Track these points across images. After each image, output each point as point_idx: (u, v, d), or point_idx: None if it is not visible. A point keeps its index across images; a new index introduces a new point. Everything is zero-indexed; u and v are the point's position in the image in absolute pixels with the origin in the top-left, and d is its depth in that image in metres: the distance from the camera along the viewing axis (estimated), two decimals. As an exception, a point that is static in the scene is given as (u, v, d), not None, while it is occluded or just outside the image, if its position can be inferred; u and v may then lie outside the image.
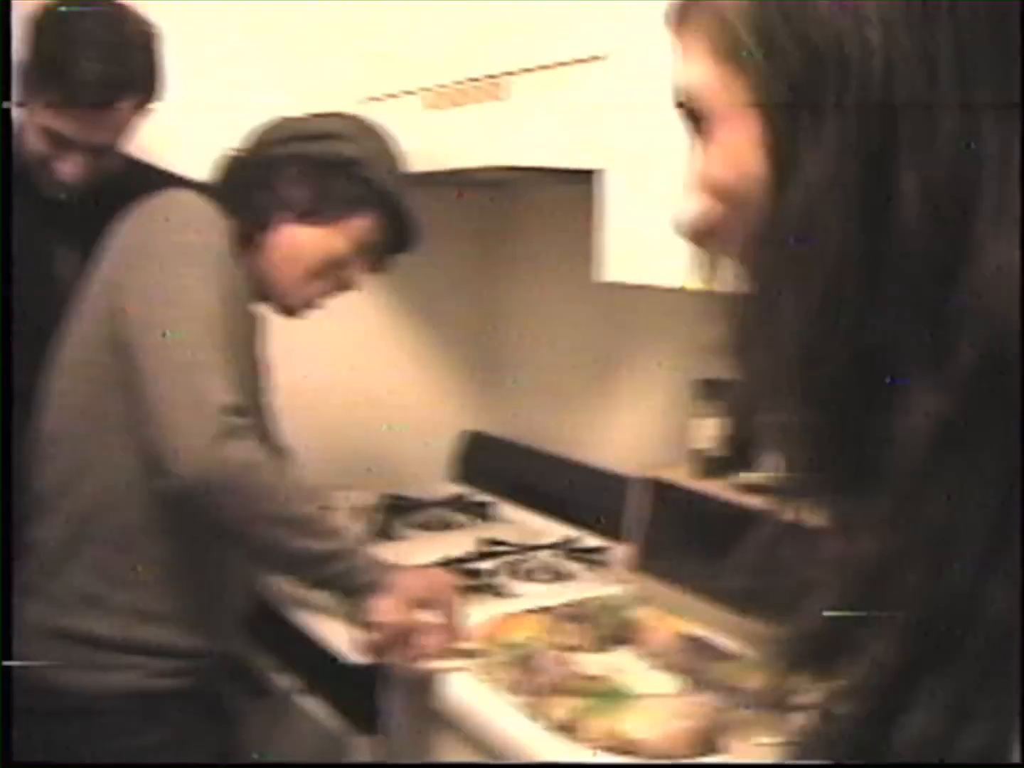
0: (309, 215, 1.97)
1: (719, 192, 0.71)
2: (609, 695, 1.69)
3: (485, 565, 2.35)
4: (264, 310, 2.04)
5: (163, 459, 1.72)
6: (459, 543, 2.49)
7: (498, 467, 2.98)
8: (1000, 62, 0.62)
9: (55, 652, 1.88)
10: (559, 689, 1.71)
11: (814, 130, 0.63)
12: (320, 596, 1.96)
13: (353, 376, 2.92)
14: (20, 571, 1.94)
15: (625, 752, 1.57)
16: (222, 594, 1.98)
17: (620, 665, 1.87)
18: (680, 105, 0.73)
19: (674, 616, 2.00)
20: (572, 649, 1.89)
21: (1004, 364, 0.60)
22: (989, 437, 0.61)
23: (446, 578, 1.96)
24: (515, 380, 3.05)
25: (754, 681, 1.69)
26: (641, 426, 2.59)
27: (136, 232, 1.91)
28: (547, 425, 2.90)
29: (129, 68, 2.05)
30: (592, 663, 1.85)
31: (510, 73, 2.18)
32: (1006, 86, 0.62)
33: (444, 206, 2.70)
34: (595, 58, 1.99)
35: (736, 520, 2.00)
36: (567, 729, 1.63)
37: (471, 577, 2.23)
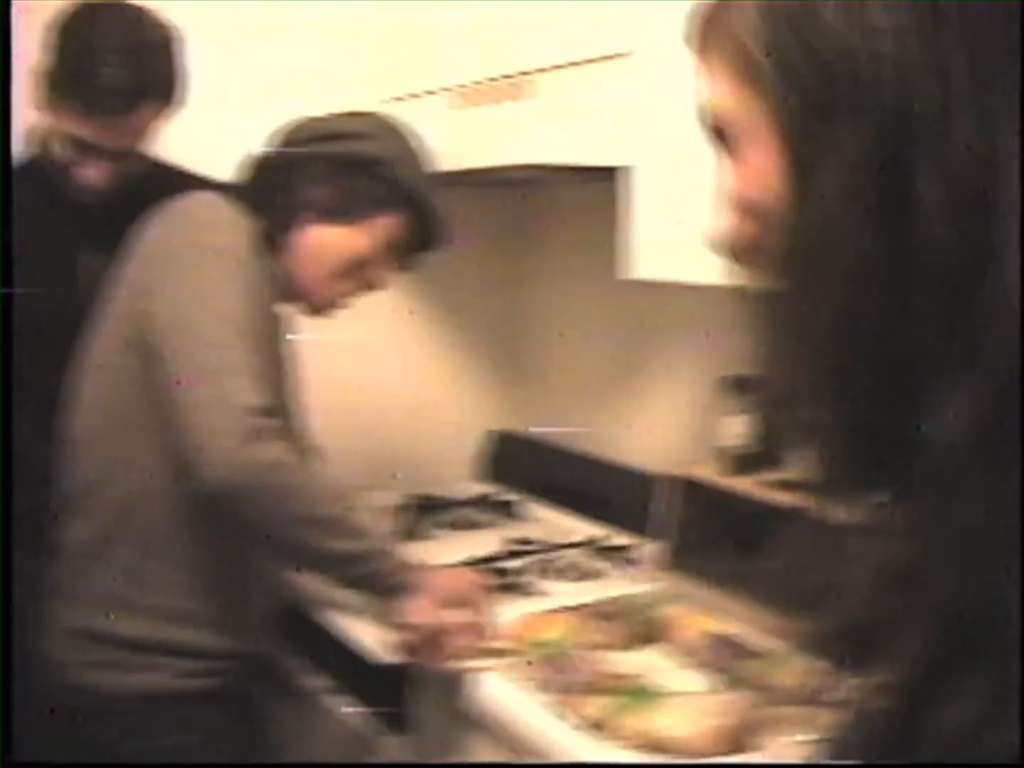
0: (334, 215, 1.97)
1: (748, 210, 0.71)
2: (640, 693, 1.68)
3: (513, 564, 2.35)
4: (291, 310, 2.05)
5: (191, 462, 1.72)
6: (487, 542, 2.49)
7: (525, 466, 2.98)
8: (1013, 63, 0.62)
9: (84, 653, 1.89)
10: (589, 688, 1.71)
11: (830, 143, 0.64)
12: (349, 596, 1.96)
13: (380, 376, 2.93)
14: (50, 572, 1.95)
15: (656, 750, 1.57)
16: (250, 595, 1.99)
17: (650, 663, 1.86)
18: (706, 126, 0.74)
19: (704, 614, 2.00)
20: (602, 647, 1.89)
21: None
22: (1019, 438, 0.60)
23: (475, 577, 1.96)
24: (542, 379, 3.05)
25: (785, 678, 1.68)
26: (667, 424, 2.58)
27: (160, 235, 1.92)
28: (574, 423, 2.90)
29: (149, 73, 2.06)
30: (622, 661, 1.84)
31: (534, 72, 2.18)
32: (1019, 86, 0.62)
33: (470, 205, 2.70)
34: (619, 55, 1.99)
35: (766, 517, 2.01)
36: (597, 728, 1.62)
37: (499, 576, 2.23)
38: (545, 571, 2.32)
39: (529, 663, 1.80)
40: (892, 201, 0.62)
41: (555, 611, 2.02)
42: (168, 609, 1.88)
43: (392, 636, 1.85)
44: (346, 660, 2.07)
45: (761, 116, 0.68)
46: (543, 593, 2.20)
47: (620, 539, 2.50)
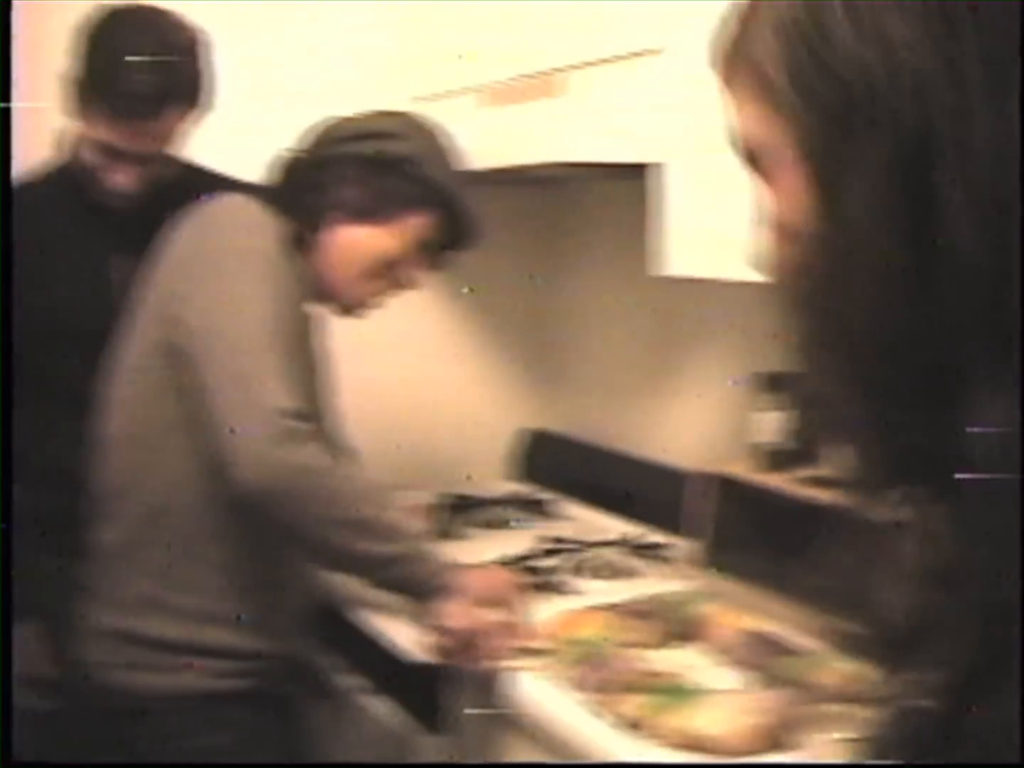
0: (364, 214, 1.97)
1: (786, 232, 0.72)
2: (677, 692, 1.68)
3: (548, 563, 2.34)
4: (322, 311, 2.05)
5: (223, 465, 1.73)
6: (521, 541, 2.49)
7: (559, 464, 2.97)
8: None
9: (117, 654, 1.90)
10: (625, 686, 1.70)
11: (853, 160, 0.65)
12: (384, 596, 1.96)
13: (412, 375, 2.93)
14: (83, 573, 1.96)
15: (695, 749, 1.56)
16: (284, 595, 1.99)
17: (687, 661, 1.86)
18: (738, 152, 0.75)
19: (740, 611, 1.99)
20: (637, 646, 1.88)
21: None
22: None
23: (510, 576, 1.96)
24: (574, 376, 3.05)
25: (822, 676, 1.67)
26: (701, 421, 2.57)
27: (189, 238, 1.92)
28: (607, 421, 2.90)
29: (174, 77, 2.06)
30: (658, 659, 1.84)
31: (565, 69, 2.17)
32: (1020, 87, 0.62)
33: (500, 204, 2.69)
34: (650, 52, 1.98)
35: (802, 514, 2.00)
36: (635, 726, 1.62)
37: (533, 575, 2.22)
38: (579, 570, 2.32)
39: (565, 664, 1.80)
40: (919, 211, 0.63)
41: (590, 609, 2.01)
42: (200, 610, 1.89)
43: (428, 638, 1.85)
44: (381, 659, 2.07)
45: (786, 139, 0.69)
46: (577, 592, 2.19)
47: (654, 537, 2.50)
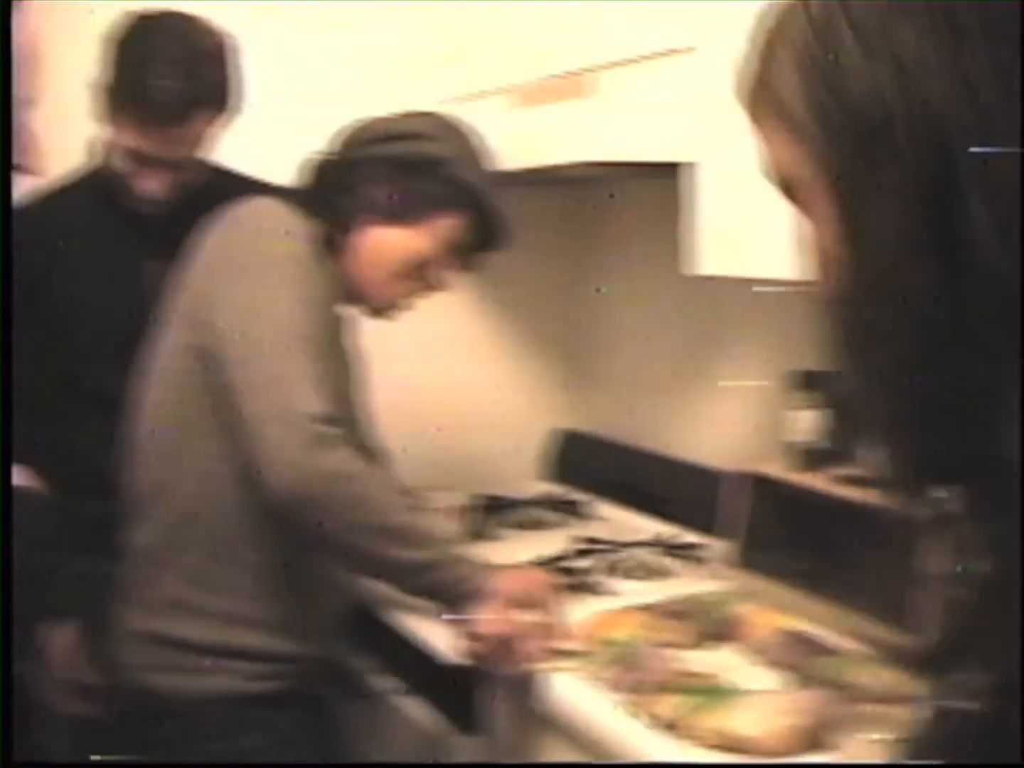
0: (394, 216, 1.97)
1: (825, 258, 0.72)
2: (713, 692, 1.67)
3: (581, 563, 2.34)
4: (353, 312, 2.05)
5: (255, 470, 1.73)
6: (554, 542, 2.48)
7: (591, 465, 2.97)
8: None
9: (149, 656, 1.91)
10: (661, 687, 1.69)
11: (875, 184, 0.66)
12: (418, 600, 1.96)
13: (444, 376, 2.93)
14: (118, 576, 1.96)
15: (732, 750, 1.55)
16: (317, 598, 1.99)
17: (722, 662, 1.85)
18: (774, 184, 0.76)
19: (776, 611, 1.98)
20: (673, 646, 1.88)
21: None
22: None
23: (544, 577, 1.95)
24: (606, 376, 3.04)
25: (859, 676, 1.66)
26: (735, 420, 2.56)
27: (219, 243, 1.93)
28: (640, 421, 2.89)
29: (202, 82, 2.07)
30: (694, 660, 1.83)
31: (596, 68, 2.17)
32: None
33: (532, 204, 2.69)
34: (682, 51, 1.98)
35: (838, 513, 1.99)
36: (671, 727, 1.61)
37: (567, 576, 2.22)
38: (613, 570, 2.31)
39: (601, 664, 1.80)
40: (945, 227, 0.63)
41: (625, 610, 2.00)
42: (234, 613, 1.89)
43: (461, 644, 1.85)
44: (416, 661, 2.07)
45: (813, 169, 0.70)
46: (611, 592, 2.19)
47: (688, 537, 2.49)
